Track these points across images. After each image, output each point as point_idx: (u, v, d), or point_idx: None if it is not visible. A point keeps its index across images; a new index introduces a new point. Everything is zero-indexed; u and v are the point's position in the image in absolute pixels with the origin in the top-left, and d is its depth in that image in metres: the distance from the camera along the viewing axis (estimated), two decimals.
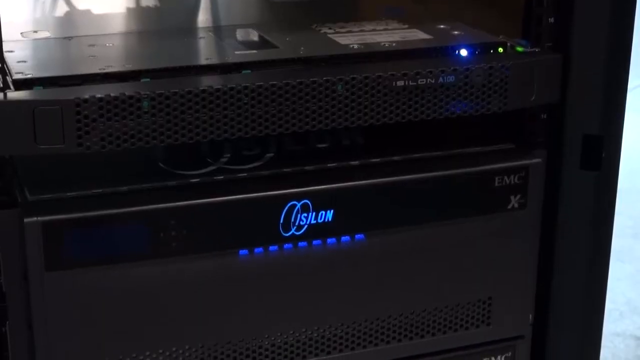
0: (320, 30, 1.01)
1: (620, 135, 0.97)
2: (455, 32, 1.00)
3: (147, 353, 0.86)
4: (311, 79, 0.85)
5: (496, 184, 0.93)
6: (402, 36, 0.98)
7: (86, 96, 0.79)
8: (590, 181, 0.97)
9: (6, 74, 0.82)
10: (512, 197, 0.94)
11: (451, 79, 0.89)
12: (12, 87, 0.82)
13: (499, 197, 0.94)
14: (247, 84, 0.83)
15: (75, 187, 0.86)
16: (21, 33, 1.00)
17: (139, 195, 0.85)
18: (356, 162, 0.93)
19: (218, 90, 0.82)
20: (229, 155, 0.92)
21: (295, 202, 0.87)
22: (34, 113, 0.78)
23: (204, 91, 0.82)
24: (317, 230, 0.88)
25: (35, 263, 0.81)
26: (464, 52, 0.95)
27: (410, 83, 0.88)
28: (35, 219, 0.80)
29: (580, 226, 0.99)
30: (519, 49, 0.96)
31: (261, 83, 0.83)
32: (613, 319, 2.07)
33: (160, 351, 0.87)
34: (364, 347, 0.93)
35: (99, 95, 0.79)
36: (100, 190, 0.86)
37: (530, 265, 0.98)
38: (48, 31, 1.02)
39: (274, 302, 0.89)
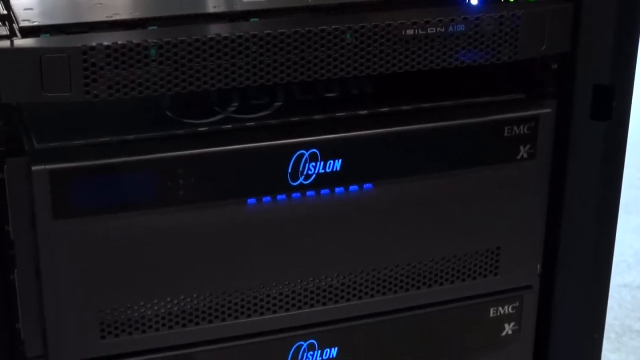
0: None
1: (631, 85, 0.96)
2: None
3: (155, 301, 0.86)
4: (320, 28, 0.84)
5: (506, 133, 0.92)
6: None
7: (93, 44, 0.78)
8: (600, 132, 0.97)
9: (13, 22, 0.82)
10: (521, 147, 0.94)
11: (461, 27, 0.88)
12: (19, 34, 0.82)
13: (509, 147, 0.93)
14: (255, 32, 0.82)
15: (82, 136, 0.85)
16: None
17: (146, 144, 0.85)
18: (365, 112, 0.92)
19: (226, 38, 0.81)
20: (237, 104, 0.92)
21: (303, 151, 0.86)
22: (41, 61, 0.77)
23: (211, 39, 0.81)
24: (325, 180, 0.88)
25: (43, 211, 0.81)
26: (474, 1, 0.94)
27: (420, 32, 0.87)
28: (42, 167, 0.80)
29: (589, 177, 0.98)
30: None
31: (269, 31, 0.83)
32: (620, 270, 2.07)
33: (169, 299, 0.87)
34: (372, 296, 0.93)
35: (106, 43, 0.78)
36: (108, 139, 0.85)
37: (539, 216, 0.98)
38: None
39: (281, 251, 0.89)
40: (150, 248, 0.85)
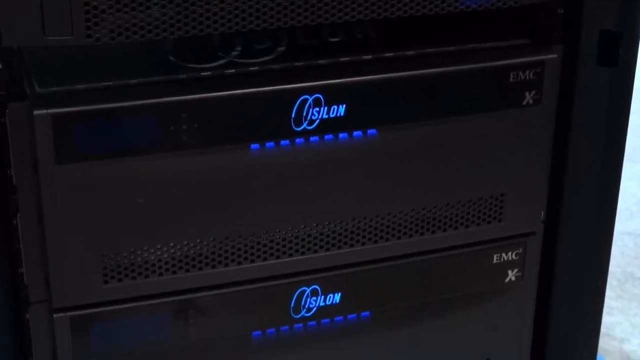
0: None
1: (638, 32, 0.95)
2: None
3: (158, 246, 0.86)
4: None
5: (511, 79, 0.92)
6: None
7: None
8: (606, 78, 0.96)
9: None
10: (526, 93, 0.93)
11: None
12: None
13: (514, 92, 0.92)
14: None
15: (85, 80, 0.85)
16: None
17: (149, 88, 0.84)
18: (369, 57, 0.92)
19: None
20: (240, 49, 0.91)
21: (307, 96, 0.86)
22: (41, 3, 0.76)
23: None
24: (329, 125, 0.87)
25: (45, 156, 0.80)
26: None
27: None
28: (44, 111, 0.80)
29: (594, 123, 0.98)
30: None
31: None
32: (623, 218, 2.07)
33: (172, 244, 0.87)
34: (375, 242, 0.93)
35: None
36: (111, 83, 0.85)
37: (544, 162, 0.97)
38: None
39: (284, 197, 0.89)
40: (153, 193, 0.85)
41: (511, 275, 0.99)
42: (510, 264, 0.99)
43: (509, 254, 0.98)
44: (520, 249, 0.99)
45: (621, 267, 1.94)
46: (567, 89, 0.96)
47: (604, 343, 1.70)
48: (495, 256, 0.98)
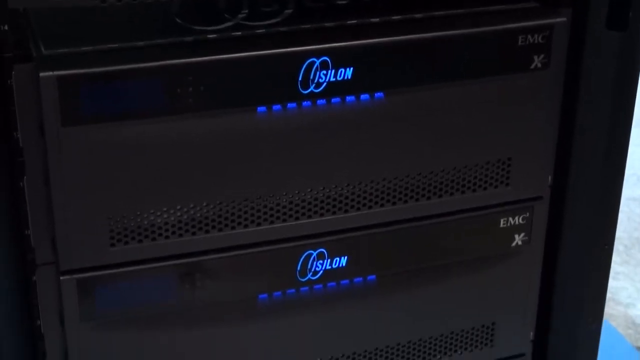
0: None
1: None
2: None
3: (165, 209, 0.86)
4: None
5: (519, 42, 0.91)
6: None
7: None
8: (616, 42, 0.95)
9: None
10: (535, 57, 0.92)
11: None
12: None
13: (522, 56, 0.92)
14: None
15: (91, 42, 0.84)
16: None
17: (155, 51, 0.84)
18: (376, 20, 0.91)
19: None
20: (246, 11, 0.91)
21: (314, 59, 0.85)
22: None
23: None
24: (335, 88, 0.87)
25: (51, 118, 0.80)
26: None
27: None
28: (50, 73, 0.79)
29: (602, 88, 0.97)
30: None
31: None
32: (630, 184, 2.07)
33: (178, 207, 0.87)
34: (382, 205, 0.93)
35: None
36: (117, 45, 0.84)
37: (552, 127, 0.97)
38: None
39: (291, 160, 0.88)
40: (159, 156, 0.84)
41: (518, 239, 0.99)
42: (517, 228, 0.99)
43: (516, 218, 0.98)
44: (527, 214, 0.99)
45: (627, 232, 1.95)
46: (575, 52, 0.96)
47: (609, 308, 1.70)
48: (502, 220, 0.98)
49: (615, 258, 1.62)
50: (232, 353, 0.94)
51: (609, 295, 1.09)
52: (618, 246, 1.89)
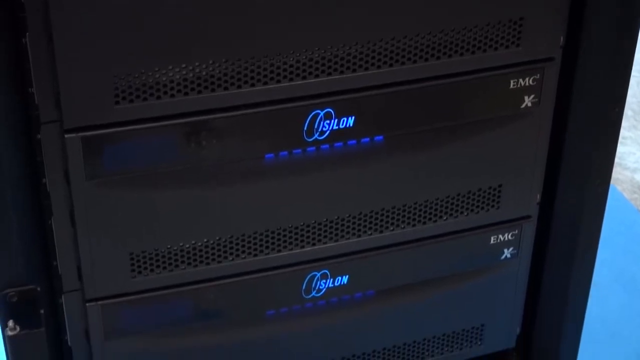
0: None
1: None
2: None
3: (170, 67, 0.85)
4: None
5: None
6: None
7: None
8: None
9: None
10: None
11: None
12: None
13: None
14: None
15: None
16: None
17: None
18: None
19: None
20: None
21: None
22: None
23: None
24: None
25: None
26: None
27: None
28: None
29: None
30: None
31: None
32: None
33: (183, 65, 0.85)
34: (390, 65, 0.91)
35: None
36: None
37: None
38: None
39: (299, 15, 0.87)
40: (165, 12, 0.83)
41: (527, 101, 0.98)
42: (527, 90, 0.97)
43: (526, 79, 0.97)
44: (538, 75, 0.97)
45: (637, 97, 1.93)
46: None
47: (615, 172, 1.70)
48: (512, 81, 0.96)
49: (623, 123, 1.62)
50: (237, 214, 0.94)
51: (615, 160, 1.08)
52: (627, 111, 1.88)
